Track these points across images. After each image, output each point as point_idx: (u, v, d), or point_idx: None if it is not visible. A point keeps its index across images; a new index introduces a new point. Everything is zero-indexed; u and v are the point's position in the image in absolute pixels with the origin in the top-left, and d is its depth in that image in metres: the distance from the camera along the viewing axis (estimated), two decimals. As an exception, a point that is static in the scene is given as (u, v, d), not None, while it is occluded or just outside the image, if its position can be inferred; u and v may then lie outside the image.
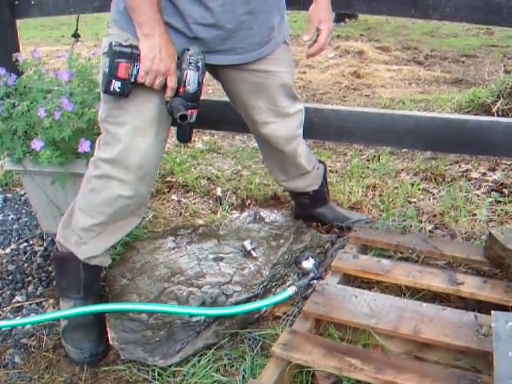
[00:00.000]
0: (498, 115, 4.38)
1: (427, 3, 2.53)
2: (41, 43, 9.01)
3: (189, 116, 2.00)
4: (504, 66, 6.56)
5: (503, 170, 3.52)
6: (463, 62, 7.08)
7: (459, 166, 3.60)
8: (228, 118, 2.73)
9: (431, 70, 6.47)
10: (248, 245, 2.45)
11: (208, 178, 3.40)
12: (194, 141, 4.03)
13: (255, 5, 2.04)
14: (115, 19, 2.07)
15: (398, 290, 2.32)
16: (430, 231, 2.80)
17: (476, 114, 4.48)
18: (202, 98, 2.10)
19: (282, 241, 2.57)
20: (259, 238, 2.59)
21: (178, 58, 1.99)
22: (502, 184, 3.33)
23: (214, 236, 2.61)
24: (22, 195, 3.40)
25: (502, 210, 2.98)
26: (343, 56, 6.82)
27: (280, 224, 2.75)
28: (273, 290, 2.33)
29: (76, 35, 3.17)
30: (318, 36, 2.27)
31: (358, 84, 5.63)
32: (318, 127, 2.81)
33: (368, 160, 3.69)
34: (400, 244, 2.46)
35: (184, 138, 2.14)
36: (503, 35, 8.63)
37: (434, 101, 4.96)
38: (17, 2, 3.15)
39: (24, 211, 3.23)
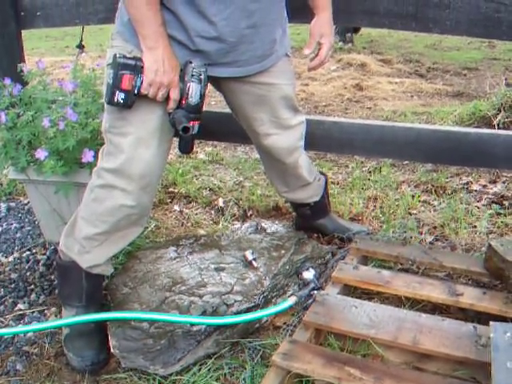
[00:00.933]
0: (498, 128, 4.41)
1: (428, 17, 2.55)
2: (45, 53, 9.06)
3: (191, 128, 2.02)
4: (505, 79, 6.58)
5: (504, 183, 3.54)
6: (465, 74, 7.12)
7: (460, 178, 3.62)
8: (230, 130, 2.75)
9: (433, 82, 6.50)
10: (249, 255, 2.47)
11: (210, 189, 3.42)
12: (197, 152, 4.05)
13: (257, 19, 2.06)
14: (119, 31, 2.10)
15: (398, 301, 2.33)
16: (430, 243, 2.81)
17: (477, 127, 4.51)
18: (204, 109, 2.12)
19: (283, 251, 2.58)
20: (260, 248, 2.60)
21: (181, 70, 2.02)
22: (502, 196, 3.35)
23: (216, 246, 2.63)
24: (26, 204, 3.42)
25: (502, 222, 3.00)
26: (346, 68, 6.86)
27: (281, 235, 2.77)
28: (273, 300, 2.35)
29: (81, 46, 3.20)
30: (319, 50, 2.30)
31: (360, 96, 5.66)
32: (319, 139, 2.83)
33: (369, 172, 3.71)
34: (400, 255, 2.48)
35: (186, 149, 2.16)
36: (505, 48, 8.68)
37: (436, 113, 4.98)
38: (22, 14, 3.17)
39: (27, 220, 3.25)
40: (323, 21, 2.29)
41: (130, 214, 2.15)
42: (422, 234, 2.87)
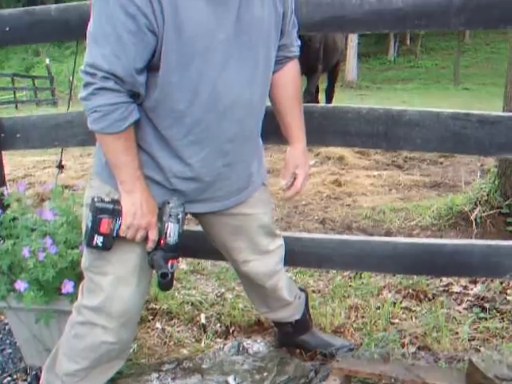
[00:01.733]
0: (476, 223, 4.49)
1: (398, 136, 2.62)
2: (27, 153, 9.11)
3: (169, 273, 2.05)
4: (481, 165, 6.72)
5: (483, 283, 3.56)
6: (441, 163, 7.25)
7: (440, 280, 3.64)
8: (207, 248, 2.76)
9: (410, 173, 6.61)
10: (231, 381, 2.46)
11: (192, 304, 3.41)
12: (178, 262, 4.04)
13: (233, 157, 2.12)
14: (97, 172, 2.15)
15: (383, 425, 2.32)
16: (413, 353, 2.80)
17: (455, 223, 4.60)
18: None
19: (265, 374, 2.57)
20: (243, 371, 2.59)
21: (159, 208, 2.06)
22: (482, 298, 3.38)
23: (198, 370, 2.61)
24: (6, 324, 3.38)
25: (483, 326, 3.01)
26: (324, 163, 6.95)
27: (263, 355, 2.76)
28: (257, 428, 2.33)
29: (60, 166, 3.26)
30: (294, 180, 2.34)
31: (340, 193, 5.73)
32: (298, 255, 2.85)
33: (350, 278, 3.72)
34: (383, 373, 2.46)
35: (166, 287, 2.17)
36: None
37: (414, 209, 5.05)
38: (3, 135, 3.22)
39: (8, 341, 3.21)
40: (298, 152, 2.35)
41: (110, 349, 2.16)
42: (404, 345, 2.87)
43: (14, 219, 2.82)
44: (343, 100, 14.69)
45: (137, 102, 1.95)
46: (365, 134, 2.66)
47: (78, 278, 2.51)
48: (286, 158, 2.36)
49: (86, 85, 1.87)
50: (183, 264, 4.06)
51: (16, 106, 21.96)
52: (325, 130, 2.69)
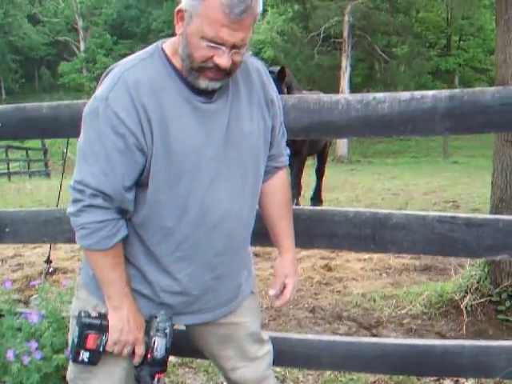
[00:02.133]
0: (466, 311, 4.47)
1: (385, 239, 2.63)
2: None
3: None
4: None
5: (474, 378, 3.53)
6: (431, 244, 7.22)
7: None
8: (196, 347, 2.72)
9: (401, 256, 6.57)
10: None
11: (179, 403, 3.36)
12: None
13: (221, 270, 2.12)
14: (85, 282, 2.15)
15: None
16: None
17: (446, 311, 4.58)
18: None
19: None
20: None
21: (147, 322, 2.05)
22: (474, 393, 3.34)
23: None
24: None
25: (476, 427, 2.98)
26: (315, 245, 6.91)
27: None
28: None
29: (48, 262, 3.26)
30: (284, 289, 2.33)
31: (330, 278, 5.68)
32: (286, 355, 2.81)
33: (340, 372, 3.66)
34: None
35: None
36: (468, 208, 8.94)
37: (405, 296, 5.01)
38: (-8, 229, 3.23)
39: None
40: (287, 262, 2.34)
41: None
42: None
43: (0, 316, 2.81)
44: (334, 176, 14.78)
45: (125, 218, 1.97)
46: (352, 237, 2.67)
47: (63, 380, 2.48)
48: (276, 268, 2.35)
49: (75, 201, 1.89)
50: (171, 356, 4.00)
51: (9, 178, 21.98)
52: (312, 232, 2.70)
